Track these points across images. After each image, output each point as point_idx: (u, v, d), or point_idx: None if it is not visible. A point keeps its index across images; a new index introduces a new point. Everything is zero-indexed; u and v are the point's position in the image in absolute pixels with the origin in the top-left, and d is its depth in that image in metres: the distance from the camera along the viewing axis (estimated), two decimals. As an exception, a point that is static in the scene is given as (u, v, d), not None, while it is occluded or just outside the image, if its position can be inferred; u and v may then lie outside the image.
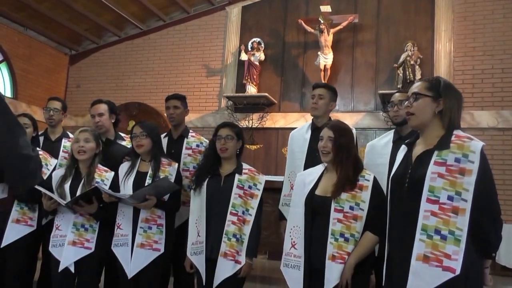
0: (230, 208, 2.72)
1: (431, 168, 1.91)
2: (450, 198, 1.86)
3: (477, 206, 1.83)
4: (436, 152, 1.93)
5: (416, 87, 2.06)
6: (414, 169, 1.99)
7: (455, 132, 1.96)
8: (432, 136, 2.00)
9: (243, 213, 2.74)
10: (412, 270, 1.87)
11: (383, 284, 2.08)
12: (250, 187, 2.79)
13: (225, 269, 2.65)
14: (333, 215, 2.34)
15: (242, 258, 2.67)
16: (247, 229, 2.72)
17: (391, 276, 2.02)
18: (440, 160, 1.91)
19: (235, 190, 2.75)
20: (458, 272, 1.80)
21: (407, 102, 2.06)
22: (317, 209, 2.41)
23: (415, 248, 1.88)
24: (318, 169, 2.57)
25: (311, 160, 2.92)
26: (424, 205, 1.89)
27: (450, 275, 1.80)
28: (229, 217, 2.71)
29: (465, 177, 1.85)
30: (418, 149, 2.04)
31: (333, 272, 2.27)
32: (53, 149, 3.57)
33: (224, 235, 2.69)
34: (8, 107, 1.44)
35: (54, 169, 3.29)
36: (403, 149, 2.15)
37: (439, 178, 1.89)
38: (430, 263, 1.84)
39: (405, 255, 1.91)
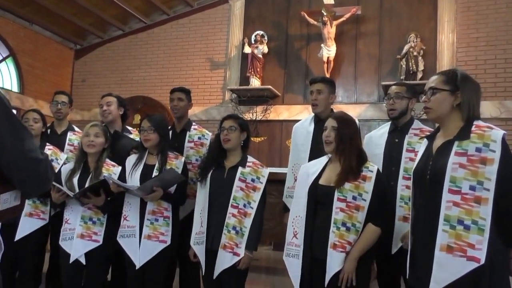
0: (231, 200, 2.74)
1: (452, 158, 1.90)
2: (472, 188, 1.84)
3: (500, 194, 1.82)
4: (456, 143, 1.92)
5: (433, 81, 2.04)
6: (435, 161, 1.98)
7: (475, 122, 1.94)
8: (452, 127, 1.99)
9: (244, 206, 2.75)
10: (436, 260, 1.86)
11: (407, 276, 2.06)
12: (253, 180, 2.79)
13: (223, 261, 2.68)
14: (336, 204, 2.34)
15: (241, 251, 2.69)
16: (248, 222, 2.73)
17: (415, 268, 2.01)
18: (461, 150, 1.90)
19: (237, 183, 2.76)
20: (482, 261, 1.78)
21: (424, 97, 2.04)
22: (320, 199, 2.42)
23: (438, 239, 1.87)
24: (322, 160, 2.57)
25: (316, 152, 2.90)
26: (446, 196, 1.88)
27: (474, 265, 1.79)
28: (230, 209, 2.73)
29: (486, 166, 1.83)
30: (438, 141, 2.03)
31: (334, 260, 2.29)
32: (59, 142, 3.60)
33: (224, 227, 2.71)
34: (12, 112, 1.42)
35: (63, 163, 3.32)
36: (424, 143, 2.14)
37: (460, 168, 1.87)
38: (454, 253, 1.83)
39: (429, 246, 1.90)
